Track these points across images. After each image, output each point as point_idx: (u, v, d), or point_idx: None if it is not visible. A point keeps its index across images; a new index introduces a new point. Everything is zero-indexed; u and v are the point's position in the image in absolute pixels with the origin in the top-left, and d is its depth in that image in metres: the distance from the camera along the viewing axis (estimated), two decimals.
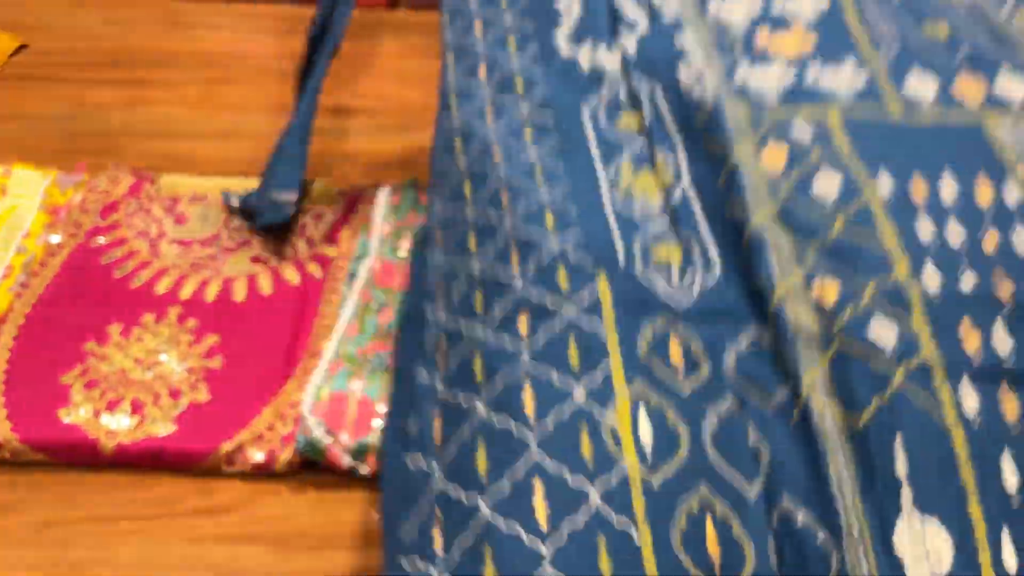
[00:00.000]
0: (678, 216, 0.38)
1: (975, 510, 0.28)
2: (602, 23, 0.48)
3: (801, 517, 0.29)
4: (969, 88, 0.41)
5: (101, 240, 0.60)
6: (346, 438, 0.47)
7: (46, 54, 0.89)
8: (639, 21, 0.46)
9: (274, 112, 0.83)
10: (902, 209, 0.37)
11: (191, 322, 0.55)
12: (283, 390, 0.51)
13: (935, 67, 0.42)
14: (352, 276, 0.59)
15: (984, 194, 0.38)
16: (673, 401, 0.32)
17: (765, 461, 0.31)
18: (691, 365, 0.33)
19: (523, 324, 0.33)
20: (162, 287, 0.57)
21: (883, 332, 0.32)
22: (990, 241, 0.36)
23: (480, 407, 0.32)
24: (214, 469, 0.48)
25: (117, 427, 0.48)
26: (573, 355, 0.32)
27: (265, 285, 0.58)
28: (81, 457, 0.48)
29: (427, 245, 0.40)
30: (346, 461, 0.47)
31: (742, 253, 0.36)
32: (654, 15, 0.46)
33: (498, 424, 0.31)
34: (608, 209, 0.38)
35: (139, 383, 0.51)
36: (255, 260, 0.60)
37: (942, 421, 0.30)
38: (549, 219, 0.37)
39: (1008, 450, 0.30)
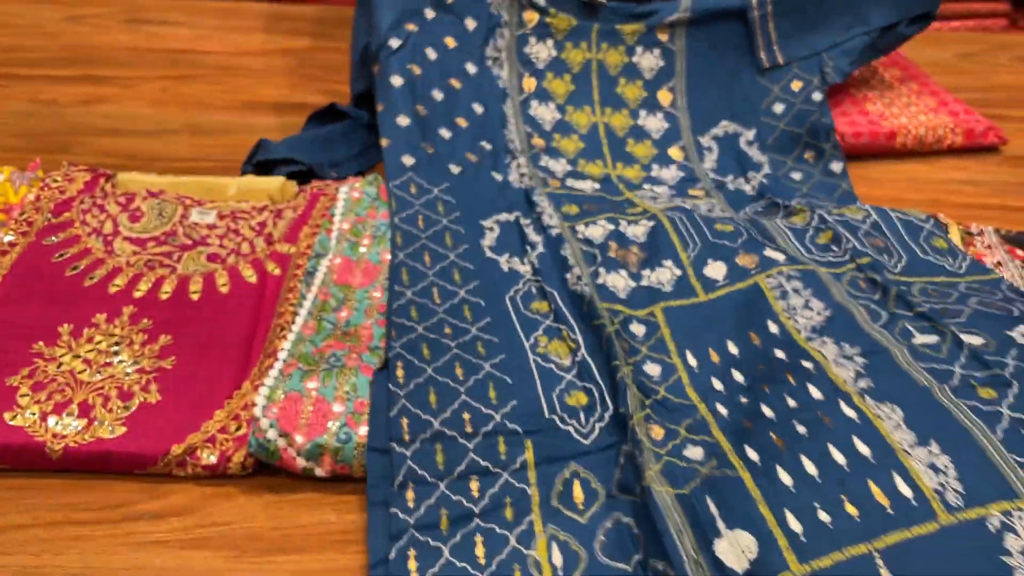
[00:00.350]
0: (582, 371, 0.54)
1: (767, 513, 0.43)
2: (515, 241, 0.65)
3: (661, 567, 0.42)
4: (746, 260, 0.61)
5: (53, 239, 0.59)
6: (300, 439, 0.46)
7: (4, 51, 0.88)
8: (538, 242, 0.64)
9: (236, 109, 0.82)
10: (702, 375, 0.54)
11: (145, 322, 0.54)
12: (237, 391, 0.50)
13: (724, 253, 0.62)
14: (310, 274, 0.58)
15: (755, 339, 0.55)
16: (574, 531, 0.45)
17: (640, 541, 0.44)
18: (590, 497, 0.47)
19: (475, 487, 0.46)
20: (115, 286, 0.56)
21: (694, 452, 0.48)
22: (761, 368, 0.53)
23: (446, 551, 0.44)
24: (165, 472, 0.47)
25: (64, 430, 0.47)
26: (509, 512, 0.46)
27: (222, 283, 0.57)
28: (27, 461, 0.47)
29: (388, 373, 0.51)
30: (300, 463, 0.46)
31: (618, 395, 0.52)
32: (546, 233, 0.65)
33: (459, 565, 0.43)
34: (533, 368, 0.54)
35: (88, 384, 0.50)
36: (212, 258, 0.59)
37: (738, 475, 0.45)
38: (492, 392, 0.52)
39: (780, 467, 0.45)
